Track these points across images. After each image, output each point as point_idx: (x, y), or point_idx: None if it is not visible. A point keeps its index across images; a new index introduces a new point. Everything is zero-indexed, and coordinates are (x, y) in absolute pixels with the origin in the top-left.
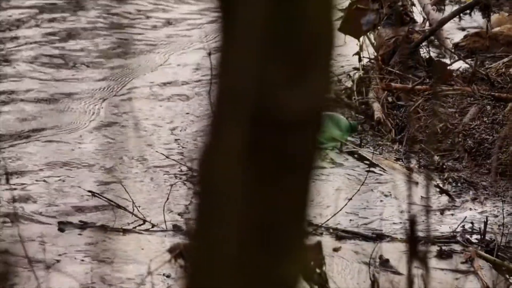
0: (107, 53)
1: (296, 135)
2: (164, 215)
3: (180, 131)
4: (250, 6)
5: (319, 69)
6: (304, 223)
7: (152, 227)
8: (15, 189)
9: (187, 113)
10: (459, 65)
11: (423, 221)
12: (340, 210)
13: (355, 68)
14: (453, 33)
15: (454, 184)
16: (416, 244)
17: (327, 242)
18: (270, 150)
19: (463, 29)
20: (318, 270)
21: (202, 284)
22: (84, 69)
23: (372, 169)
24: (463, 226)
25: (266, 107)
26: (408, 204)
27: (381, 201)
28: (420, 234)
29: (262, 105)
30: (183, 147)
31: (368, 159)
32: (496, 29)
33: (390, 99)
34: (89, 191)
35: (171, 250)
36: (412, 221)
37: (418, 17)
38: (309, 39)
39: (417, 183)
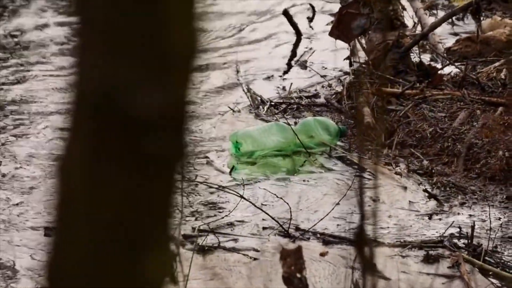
0: None
1: (150, 136)
2: None
3: None
4: (101, 4)
5: (177, 71)
6: (164, 225)
7: None
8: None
9: None
10: (450, 69)
11: (410, 226)
12: (327, 214)
13: (345, 73)
14: (446, 38)
15: (442, 189)
16: (363, 246)
17: (314, 246)
18: (122, 150)
19: (455, 34)
20: (298, 275)
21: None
22: None
23: (360, 173)
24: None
25: (117, 107)
26: (359, 207)
27: (369, 206)
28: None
29: (112, 105)
30: None
31: (357, 164)
32: (488, 33)
33: (380, 103)
34: None
35: None
36: (361, 223)
37: (409, 21)
38: (166, 41)
39: (405, 188)
